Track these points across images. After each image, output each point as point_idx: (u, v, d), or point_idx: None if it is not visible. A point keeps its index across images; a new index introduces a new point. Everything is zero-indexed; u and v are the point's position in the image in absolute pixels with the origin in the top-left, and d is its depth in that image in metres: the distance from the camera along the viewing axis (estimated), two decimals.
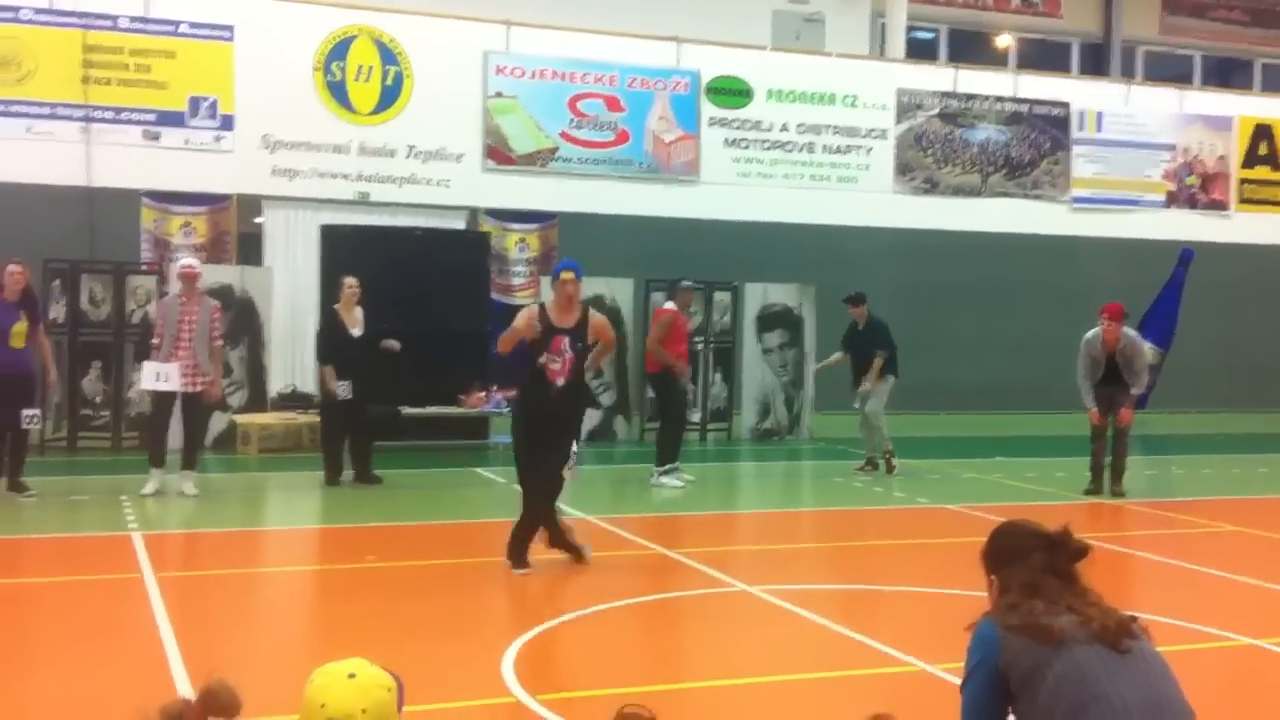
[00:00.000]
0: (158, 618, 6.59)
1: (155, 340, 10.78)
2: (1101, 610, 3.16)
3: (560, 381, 7.83)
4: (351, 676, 2.54)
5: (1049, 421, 16.98)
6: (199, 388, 10.74)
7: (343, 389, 11.47)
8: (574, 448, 7.93)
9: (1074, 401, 12.24)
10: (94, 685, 5.54)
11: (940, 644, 6.27)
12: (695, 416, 12.61)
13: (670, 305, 12.39)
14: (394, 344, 11.87)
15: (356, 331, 11.62)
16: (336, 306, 11.66)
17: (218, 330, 10.91)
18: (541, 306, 8.07)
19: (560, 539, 8.14)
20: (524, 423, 8.00)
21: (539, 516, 8.01)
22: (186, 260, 11.32)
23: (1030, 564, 3.28)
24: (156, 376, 10.60)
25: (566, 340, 7.85)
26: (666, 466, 12.04)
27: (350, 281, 11.63)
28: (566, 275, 7.93)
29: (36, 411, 10.30)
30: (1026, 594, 3.21)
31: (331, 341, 11.70)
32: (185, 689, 5.36)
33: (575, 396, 8.06)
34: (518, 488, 8.20)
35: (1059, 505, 11.23)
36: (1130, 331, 11.81)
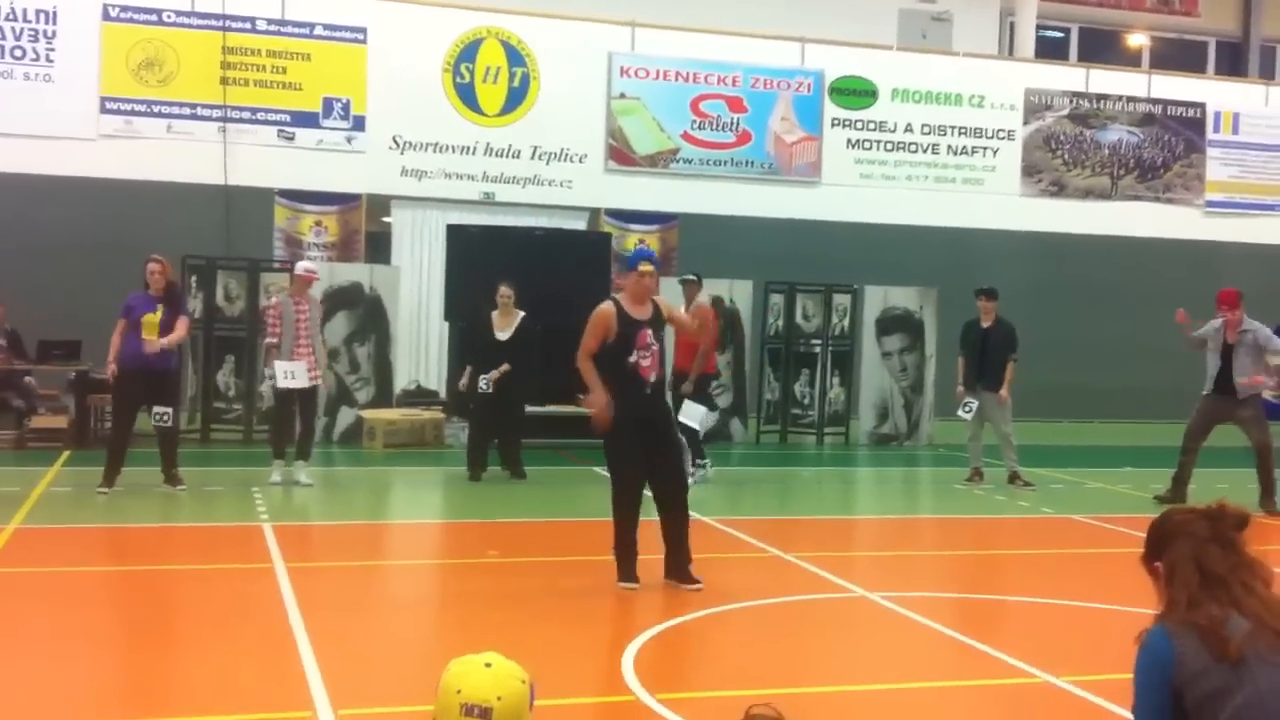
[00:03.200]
0: (287, 605, 6.79)
1: (273, 340, 11.05)
2: (1268, 604, 3.02)
3: (653, 377, 7.55)
4: (488, 666, 2.62)
5: (1179, 431, 16.52)
6: (318, 381, 11.13)
7: (483, 383, 11.73)
8: (703, 410, 7.68)
9: None
10: (226, 669, 5.74)
11: (1064, 656, 6.18)
12: (688, 417, 11.88)
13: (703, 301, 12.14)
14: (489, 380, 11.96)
15: (503, 335, 11.86)
16: (494, 313, 11.92)
17: (319, 324, 11.36)
18: (615, 303, 7.62)
19: (681, 571, 7.56)
20: (629, 430, 7.41)
21: (628, 523, 7.52)
22: (307, 264, 11.72)
23: (1193, 533, 3.18)
24: (286, 374, 10.94)
25: (650, 332, 7.54)
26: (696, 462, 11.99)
27: (504, 290, 11.87)
28: (647, 267, 7.58)
29: (168, 410, 10.45)
30: (1196, 577, 3.06)
31: (476, 343, 12.04)
32: (313, 674, 5.53)
33: (663, 390, 7.80)
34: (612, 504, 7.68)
35: None
36: (1255, 323, 11.10)
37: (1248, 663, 2.94)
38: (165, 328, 10.34)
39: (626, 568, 7.52)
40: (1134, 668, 3.09)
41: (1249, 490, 10.81)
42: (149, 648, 6.21)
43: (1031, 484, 12.14)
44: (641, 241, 17.16)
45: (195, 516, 9.90)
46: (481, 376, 11.76)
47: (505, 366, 11.76)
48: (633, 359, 7.45)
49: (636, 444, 7.43)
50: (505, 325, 11.89)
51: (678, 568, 7.54)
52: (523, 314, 11.91)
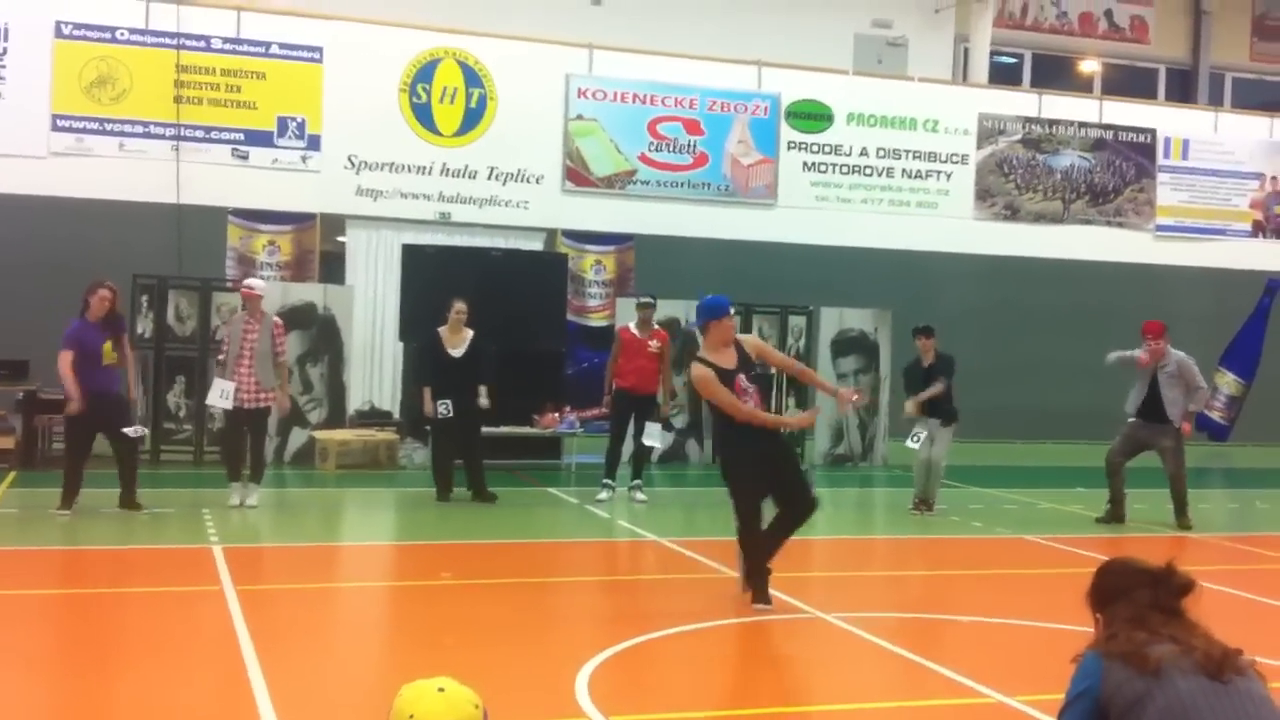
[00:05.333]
0: (237, 629, 6.70)
1: (220, 358, 11.15)
2: (1206, 640, 3.16)
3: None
4: (441, 690, 2.58)
5: None
6: (263, 403, 10.98)
7: (443, 408, 11.65)
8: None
9: None
10: (174, 695, 5.65)
11: (1018, 675, 6.21)
12: (650, 438, 12.15)
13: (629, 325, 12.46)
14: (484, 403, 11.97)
15: (457, 352, 11.80)
16: (442, 329, 11.83)
17: (280, 345, 11.12)
18: (704, 362, 7.77)
19: (759, 580, 7.79)
20: (752, 466, 7.64)
21: (757, 548, 7.71)
22: (249, 281, 11.65)
23: (1135, 600, 3.30)
24: (220, 394, 10.88)
25: (742, 377, 7.77)
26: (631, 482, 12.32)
27: (459, 306, 11.81)
28: (729, 320, 7.79)
29: (138, 425, 10.54)
30: (1130, 628, 3.22)
31: (430, 362, 11.92)
32: (263, 698, 5.46)
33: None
34: (737, 531, 7.77)
35: (1136, 538, 11.06)
36: (1178, 353, 11.60)
37: (1167, 673, 3.08)
38: (118, 351, 10.38)
39: (760, 590, 7.64)
40: (1069, 683, 3.24)
41: (1167, 509, 11.65)
42: (91, 673, 6.09)
43: (932, 510, 11.98)
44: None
45: (144, 539, 9.77)
46: (440, 401, 11.67)
47: (485, 399, 11.79)
48: None
49: (760, 475, 7.65)
50: (457, 342, 11.82)
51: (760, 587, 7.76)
52: (472, 331, 11.86)
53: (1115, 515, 11.73)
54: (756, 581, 7.68)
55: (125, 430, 10.27)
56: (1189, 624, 3.25)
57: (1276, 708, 3.12)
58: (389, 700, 2.61)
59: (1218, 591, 8.67)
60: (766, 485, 7.69)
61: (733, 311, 7.90)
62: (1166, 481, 11.67)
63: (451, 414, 11.65)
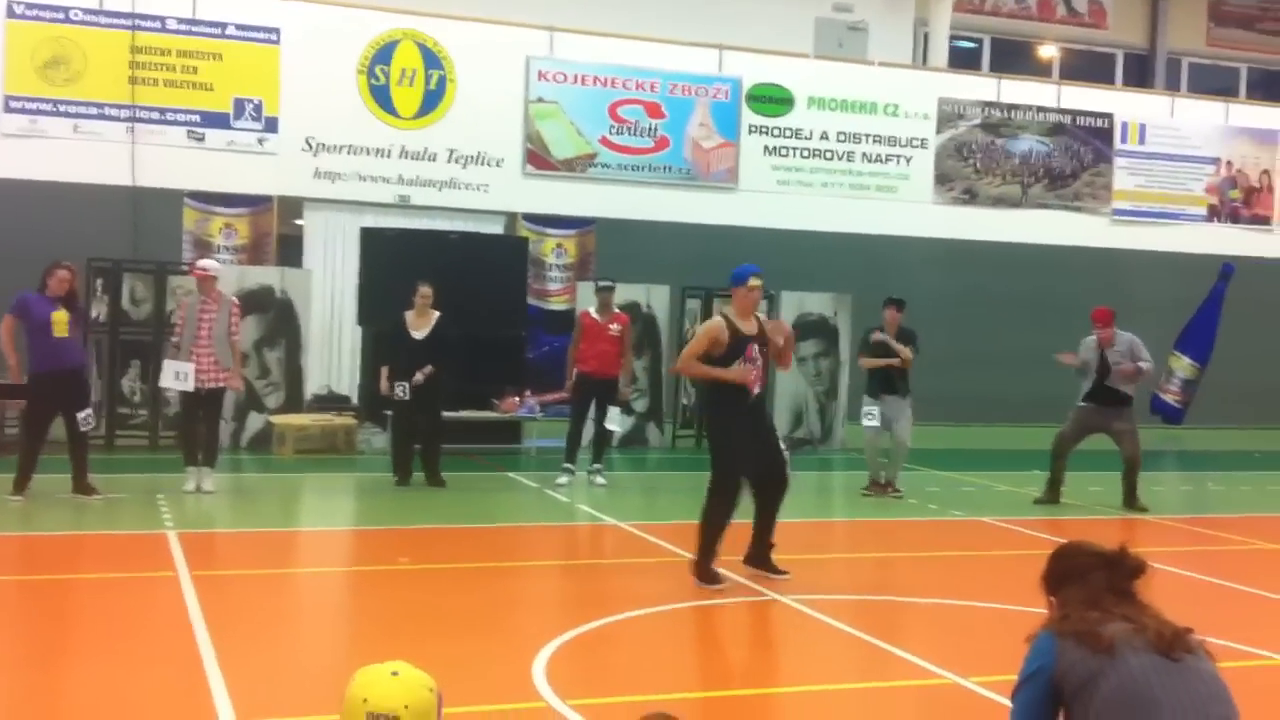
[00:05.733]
0: (192, 616, 6.65)
1: (175, 339, 11.02)
2: (1157, 620, 3.22)
3: (757, 389, 7.90)
4: (395, 674, 2.60)
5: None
6: (220, 383, 10.88)
7: (399, 390, 11.58)
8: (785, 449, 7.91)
9: None
10: (127, 683, 5.61)
11: (973, 657, 6.26)
12: (611, 422, 12.21)
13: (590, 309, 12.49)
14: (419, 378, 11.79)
15: (419, 335, 11.74)
16: (408, 313, 11.77)
17: (236, 326, 11.02)
18: (725, 317, 7.92)
19: (763, 558, 8.02)
20: (733, 437, 7.79)
21: (718, 529, 7.75)
22: (202, 262, 11.51)
23: (1089, 583, 3.36)
24: (175, 376, 10.75)
25: (755, 346, 7.85)
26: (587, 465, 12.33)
27: (423, 289, 11.74)
28: (757, 281, 7.87)
29: (89, 411, 10.36)
30: (1084, 608, 3.27)
31: (390, 343, 11.85)
32: (218, 685, 5.42)
33: (764, 403, 8.12)
34: (708, 498, 7.84)
35: (1091, 520, 11.15)
36: (1125, 333, 11.69)
37: (1120, 651, 3.14)
38: (73, 326, 10.17)
39: (708, 570, 7.74)
40: (1023, 661, 3.29)
41: (1120, 492, 11.69)
42: (43, 661, 6.03)
43: (900, 492, 12.05)
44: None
45: (97, 524, 9.68)
46: (398, 383, 11.62)
47: (429, 369, 11.61)
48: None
49: (743, 447, 7.75)
50: (421, 325, 11.76)
51: (761, 558, 7.99)
52: (438, 314, 11.80)
53: (1052, 496, 11.81)
54: (705, 560, 7.74)
55: (78, 415, 10.15)
56: (1141, 604, 3.32)
57: (1225, 685, 3.18)
58: (344, 685, 2.60)
59: (1169, 573, 8.77)
60: (746, 459, 7.75)
61: (756, 283, 7.89)
62: (1122, 464, 11.68)
63: (408, 396, 11.59)
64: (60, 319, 10.03)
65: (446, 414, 12.41)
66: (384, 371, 11.80)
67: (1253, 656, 6.48)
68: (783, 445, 8.05)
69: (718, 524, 7.76)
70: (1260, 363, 19.99)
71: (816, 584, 8.03)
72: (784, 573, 7.93)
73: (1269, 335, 20.25)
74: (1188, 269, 19.21)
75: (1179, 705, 3.04)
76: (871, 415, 11.92)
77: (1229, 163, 21.38)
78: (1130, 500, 11.66)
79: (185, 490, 10.75)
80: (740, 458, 7.78)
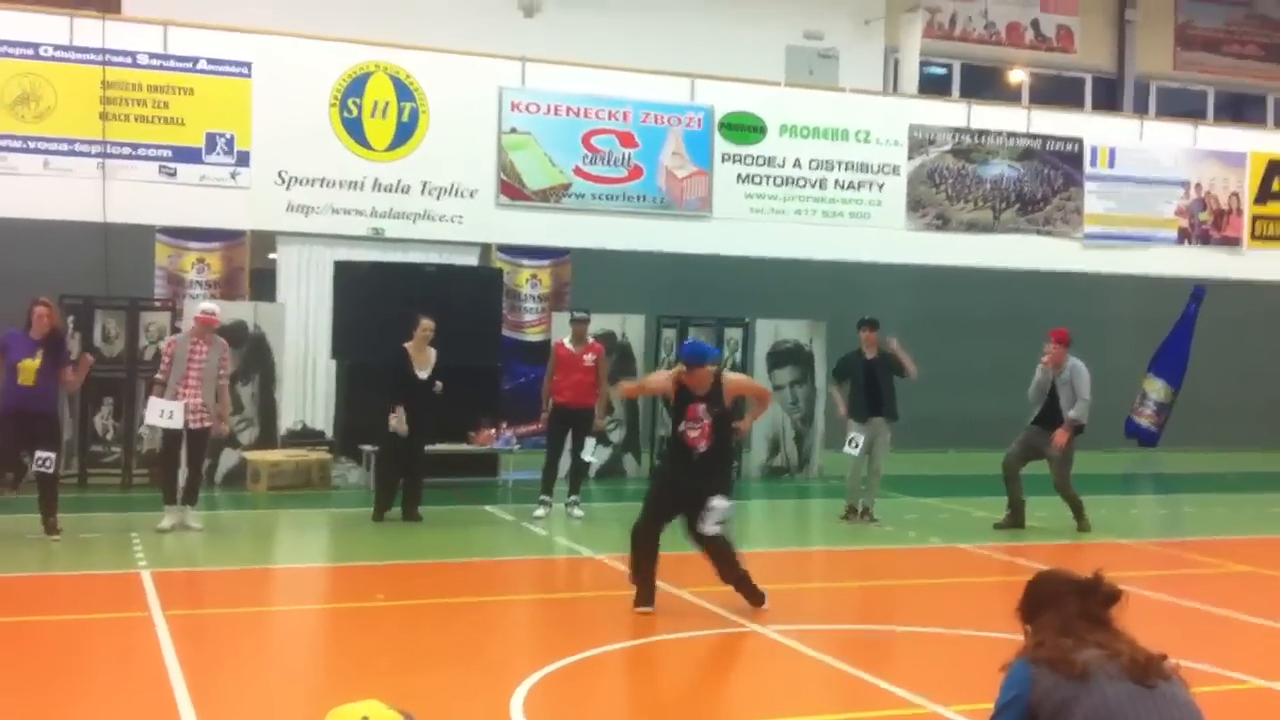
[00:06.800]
0: (166, 656, 6.59)
1: (160, 376, 10.90)
2: (1131, 646, 3.23)
3: (701, 447, 7.97)
4: (365, 719, 2.57)
5: None
6: (206, 424, 10.82)
7: (394, 421, 11.58)
8: (725, 505, 7.93)
9: (1088, 440, 12.20)
10: None
11: (951, 685, 6.24)
12: (588, 453, 12.24)
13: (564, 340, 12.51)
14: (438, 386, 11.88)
15: (423, 374, 11.71)
16: (408, 345, 11.72)
17: (225, 369, 11.03)
18: (680, 376, 8.10)
19: (739, 580, 8.13)
20: (668, 487, 8.17)
21: (634, 553, 8.13)
22: (208, 306, 11.43)
23: (1063, 610, 3.38)
24: (161, 413, 10.67)
25: (702, 407, 7.95)
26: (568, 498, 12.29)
27: (426, 323, 11.70)
28: (702, 372, 7.94)
29: (50, 455, 10.09)
30: (1058, 635, 3.28)
31: (399, 383, 11.76)
32: None
33: (716, 461, 8.14)
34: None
35: (1066, 544, 11.18)
36: (1076, 361, 11.79)
37: (1094, 677, 3.16)
38: (45, 374, 10.00)
39: (642, 593, 8.02)
40: (999, 690, 3.31)
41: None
42: (12, 704, 5.96)
43: (878, 520, 12.12)
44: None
45: (70, 565, 9.58)
46: (393, 415, 11.58)
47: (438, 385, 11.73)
48: (681, 428, 8.02)
49: (669, 495, 8.08)
50: (422, 362, 11.74)
51: (742, 591, 8.10)
52: (435, 352, 11.79)
53: (1014, 520, 11.88)
54: (638, 580, 8.05)
55: (37, 454, 10.00)
56: (1115, 631, 3.33)
57: (1200, 712, 3.19)
58: None
59: (1144, 596, 8.79)
60: (667, 507, 8.05)
61: (713, 365, 8.15)
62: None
63: (406, 431, 11.60)
64: (27, 368, 9.91)
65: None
66: (399, 411, 11.65)
67: (1227, 680, 6.49)
68: (716, 503, 7.91)
69: (632, 552, 8.14)
70: (1232, 384, 20.10)
71: (795, 614, 8.01)
72: (762, 598, 8.01)
73: (1241, 357, 20.37)
74: (1159, 292, 19.32)
75: None
76: (855, 443, 11.97)
77: (1198, 185, 21.55)
78: (1079, 519, 11.81)
79: (160, 528, 10.65)
80: (655, 505, 8.10)
